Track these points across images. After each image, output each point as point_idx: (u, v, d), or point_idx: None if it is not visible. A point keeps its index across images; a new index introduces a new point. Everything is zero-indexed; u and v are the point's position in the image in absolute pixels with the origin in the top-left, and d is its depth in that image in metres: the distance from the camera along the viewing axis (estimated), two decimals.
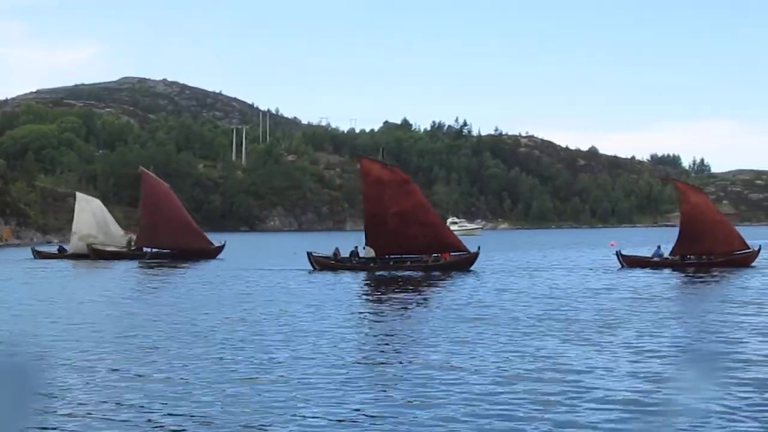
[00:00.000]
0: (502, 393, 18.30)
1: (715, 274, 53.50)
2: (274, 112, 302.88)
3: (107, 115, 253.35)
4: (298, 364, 21.86)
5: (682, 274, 53.97)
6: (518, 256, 79.76)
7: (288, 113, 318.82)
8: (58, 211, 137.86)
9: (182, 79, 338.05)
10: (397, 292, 42.77)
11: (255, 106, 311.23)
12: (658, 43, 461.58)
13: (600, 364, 21.54)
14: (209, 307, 36.01)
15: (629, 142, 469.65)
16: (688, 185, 66.87)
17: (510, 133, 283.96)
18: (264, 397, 18.23)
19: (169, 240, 77.09)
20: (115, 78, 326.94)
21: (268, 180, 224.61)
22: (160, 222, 76.95)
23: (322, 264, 58.74)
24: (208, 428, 16.08)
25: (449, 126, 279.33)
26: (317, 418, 16.63)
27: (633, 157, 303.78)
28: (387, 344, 25.55)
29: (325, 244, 75.02)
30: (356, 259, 59.32)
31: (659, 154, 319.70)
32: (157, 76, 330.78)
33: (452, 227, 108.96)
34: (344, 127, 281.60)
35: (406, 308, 35.46)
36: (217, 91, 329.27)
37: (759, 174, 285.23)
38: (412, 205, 58.91)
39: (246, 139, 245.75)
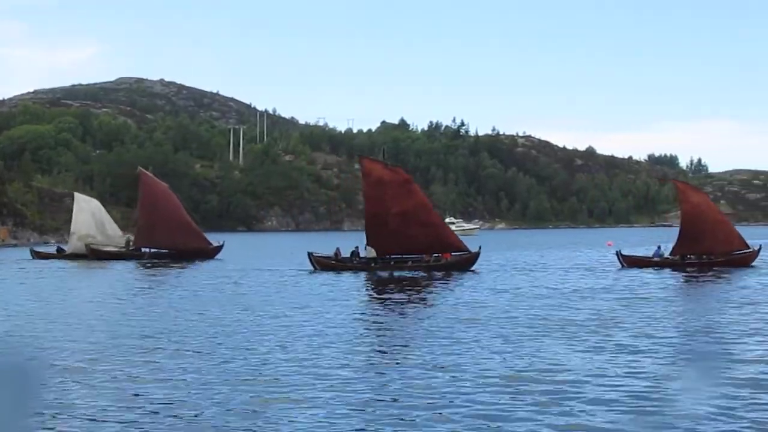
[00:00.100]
0: (500, 394, 18.24)
1: (715, 274, 53.45)
2: (271, 112, 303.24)
3: (104, 116, 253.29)
4: (297, 365, 21.79)
5: (683, 274, 53.89)
6: (518, 256, 79.70)
7: (285, 113, 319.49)
8: (55, 211, 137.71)
9: (179, 79, 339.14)
10: (398, 292, 42.70)
11: (252, 106, 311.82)
12: (655, 43, 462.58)
13: (599, 364, 21.49)
14: (209, 307, 35.87)
15: (626, 142, 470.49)
16: (688, 185, 66.84)
17: (507, 133, 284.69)
18: (264, 397, 18.14)
19: (168, 240, 76.96)
20: (112, 78, 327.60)
21: (266, 180, 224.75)
22: (158, 222, 76.81)
23: (322, 264, 58.63)
24: (208, 428, 16.03)
25: (446, 126, 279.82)
26: (316, 418, 16.58)
27: (630, 157, 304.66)
28: (386, 345, 25.51)
29: (324, 244, 75.11)
30: (357, 259, 59.22)
31: (656, 154, 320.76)
32: (154, 76, 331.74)
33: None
34: (341, 127, 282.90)
35: (406, 309, 35.39)
36: (215, 91, 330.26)
37: (756, 174, 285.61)
38: (413, 205, 58.81)
39: (243, 139, 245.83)
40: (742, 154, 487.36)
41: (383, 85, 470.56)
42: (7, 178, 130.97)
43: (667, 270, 56.38)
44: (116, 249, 78.57)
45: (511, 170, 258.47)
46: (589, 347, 24.21)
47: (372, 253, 58.42)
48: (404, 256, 58.73)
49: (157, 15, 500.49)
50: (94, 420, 16.60)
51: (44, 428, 15.96)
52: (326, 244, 75.27)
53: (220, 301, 38.97)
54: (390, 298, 39.66)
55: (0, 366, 22.87)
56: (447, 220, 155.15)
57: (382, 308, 35.94)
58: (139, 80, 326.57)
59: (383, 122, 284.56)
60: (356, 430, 15.92)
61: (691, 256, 59.29)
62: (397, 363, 22.19)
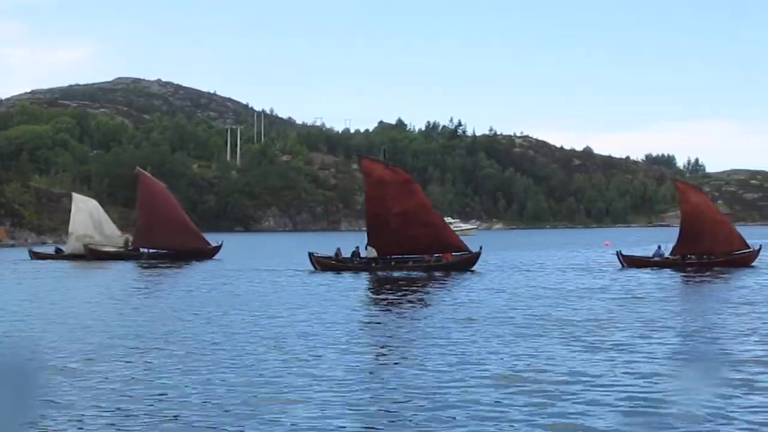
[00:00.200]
0: (498, 394, 18.23)
1: (715, 274, 53.48)
2: (268, 112, 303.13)
3: (102, 116, 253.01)
4: (295, 365, 21.80)
5: (683, 274, 53.87)
6: (517, 256, 79.61)
7: (282, 113, 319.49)
8: (53, 211, 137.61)
9: (176, 80, 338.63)
10: (398, 292, 42.64)
11: (249, 106, 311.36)
12: (653, 43, 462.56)
13: (597, 365, 21.47)
14: (208, 308, 35.82)
15: (624, 142, 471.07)
16: (688, 185, 66.84)
17: (504, 134, 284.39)
18: (261, 397, 18.12)
19: (166, 240, 76.88)
20: (109, 78, 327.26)
21: (263, 180, 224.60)
22: (156, 222, 76.74)
23: (323, 264, 58.59)
24: (205, 428, 16.02)
25: (444, 126, 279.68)
26: (313, 418, 16.56)
27: (628, 157, 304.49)
28: (385, 345, 25.49)
29: (322, 244, 75.04)
30: (358, 259, 59.21)
31: (654, 154, 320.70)
32: (151, 77, 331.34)
33: None
34: (339, 128, 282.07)
35: (406, 309, 35.33)
36: (212, 91, 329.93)
37: (753, 174, 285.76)
38: (414, 205, 58.81)
39: (240, 139, 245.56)
40: (739, 154, 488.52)
41: (381, 85, 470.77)
42: (4, 179, 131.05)
43: (668, 270, 56.39)
44: (115, 249, 78.50)
45: (508, 170, 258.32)
46: (588, 348, 24.18)
47: (373, 253, 58.43)
48: (405, 256, 58.75)
49: (155, 15, 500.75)
50: (90, 421, 16.57)
51: (39, 429, 15.91)
52: (324, 244, 75.21)
53: (220, 301, 38.90)
54: (390, 299, 39.64)
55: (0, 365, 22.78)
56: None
57: (382, 308, 35.95)
58: (137, 80, 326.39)
59: (380, 122, 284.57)
60: (354, 430, 15.90)
61: (692, 256, 59.31)
62: (395, 363, 22.20)
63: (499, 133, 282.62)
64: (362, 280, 50.80)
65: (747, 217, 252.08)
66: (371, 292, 45.04)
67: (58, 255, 79.96)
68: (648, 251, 66.22)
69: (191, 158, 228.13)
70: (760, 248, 60.83)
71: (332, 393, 18.50)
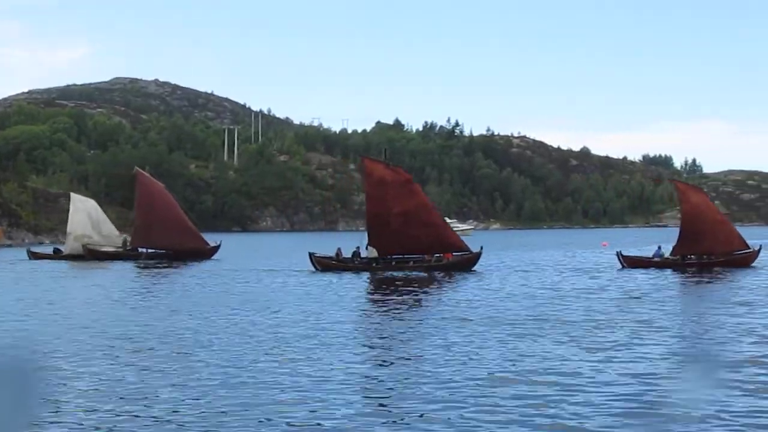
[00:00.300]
0: (496, 395, 18.20)
1: (715, 274, 53.50)
2: (266, 112, 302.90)
3: (99, 116, 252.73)
4: (293, 365, 21.81)
5: (683, 275, 53.85)
6: (515, 256, 79.61)
7: (280, 113, 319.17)
8: (50, 211, 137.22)
9: (174, 80, 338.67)
10: (398, 293, 42.58)
11: (247, 106, 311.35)
12: (650, 44, 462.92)
13: (595, 365, 21.44)
14: (208, 308, 35.72)
15: (621, 142, 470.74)
16: (688, 185, 66.88)
17: (502, 134, 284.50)
18: (260, 398, 18.10)
19: (165, 240, 76.76)
20: (106, 78, 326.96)
21: (260, 180, 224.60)
22: (155, 222, 76.67)
23: (324, 264, 58.52)
24: (203, 429, 16.00)
25: (441, 126, 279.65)
26: (310, 418, 16.57)
27: (625, 158, 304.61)
28: (383, 345, 25.44)
29: (320, 244, 74.92)
30: (358, 259, 59.15)
31: (651, 155, 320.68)
32: (148, 77, 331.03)
33: None
34: (336, 128, 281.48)
35: (406, 309, 35.29)
36: (209, 91, 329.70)
37: (750, 174, 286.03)
38: (414, 205, 58.80)
39: (238, 139, 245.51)
40: (736, 154, 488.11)
41: (378, 85, 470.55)
42: (1, 179, 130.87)
43: (668, 270, 56.38)
44: (113, 249, 78.37)
45: (505, 170, 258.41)
46: (586, 348, 24.13)
47: (373, 253, 58.40)
48: (406, 256, 58.71)
49: (152, 15, 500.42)
50: (87, 421, 16.53)
51: (36, 429, 15.79)
52: (322, 244, 75.12)
53: (219, 301, 38.78)
54: (390, 299, 39.54)
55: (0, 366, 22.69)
56: None
57: (381, 309, 35.88)
58: (134, 80, 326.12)
59: (378, 122, 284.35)
60: (350, 430, 15.88)
61: (692, 257, 59.32)
62: (393, 363, 22.17)
63: (496, 133, 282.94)
64: (363, 281, 50.75)
65: (744, 217, 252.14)
66: (371, 292, 45.00)
67: (57, 255, 79.75)
68: (645, 251, 66.26)
69: (188, 158, 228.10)
70: (760, 248, 60.85)
71: (329, 393, 18.48)
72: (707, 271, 55.52)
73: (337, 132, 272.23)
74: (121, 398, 18.29)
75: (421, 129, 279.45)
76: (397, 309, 35.16)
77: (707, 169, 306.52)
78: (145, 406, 17.60)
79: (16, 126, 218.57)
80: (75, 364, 22.31)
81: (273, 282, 50.23)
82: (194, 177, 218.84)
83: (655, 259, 60.44)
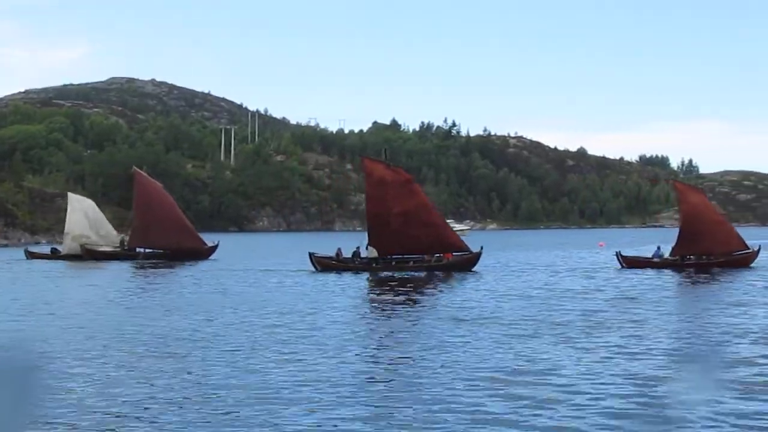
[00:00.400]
0: (493, 395, 18.20)
1: (714, 274, 53.54)
2: (262, 112, 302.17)
3: (95, 116, 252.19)
4: (290, 365, 21.85)
5: (682, 275, 53.89)
6: (514, 256, 79.62)
7: (277, 113, 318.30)
8: (46, 211, 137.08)
9: (171, 80, 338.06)
10: (398, 293, 42.62)
11: (244, 106, 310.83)
12: (647, 44, 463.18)
13: (594, 366, 21.43)
14: (207, 308, 35.68)
15: (618, 142, 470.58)
16: (687, 186, 67.02)
17: (499, 134, 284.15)
18: (257, 399, 18.07)
19: (163, 240, 76.65)
20: (103, 78, 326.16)
21: (257, 180, 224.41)
22: (153, 222, 76.55)
23: (324, 264, 58.47)
24: (199, 429, 16.00)
25: (438, 126, 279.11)
26: (306, 418, 16.55)
27: (621, 158, 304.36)
28: (382, 346, 25.54)
29: (317, 244, 74.86)
30: (358, 259, 59.10)
31: (648, 155, 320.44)
32: (145, 76, 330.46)
33: None
34: (333, 128, 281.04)
35: (405, 310, 35.34)
36: (206, 91, 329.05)
37: (747, 175, 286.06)
38: (414, 205, 58.81)
39: (235, 139, 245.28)
40: (732, 154, 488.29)
41: (375, 85, 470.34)
42: None
43: (667, 271, 56.39)
44: (111, 249, 78.24)
45: (502, 171, 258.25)
46: (584, 349, 24.15)
47: (373, 253, 58.37)
48: (405, 256, 58.66)
49: (149, 15, 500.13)
50: (81, 422, 16.48)
51: (31, 429, 15.73)
52: (319, 244, 75.05)
53: (218, 302, 38.79)
54: (390, 299, 39.60)
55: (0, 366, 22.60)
56: None
57: (380, 309, 35.98)
58: (131, 80, 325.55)
59: (375, 123, 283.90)
60: (345, 430, 15.88)
61: (691, 257, 59.35)
62: (390, 364, 22.25)
63: (493, 133, 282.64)
64: (362, 281, 50.72)
65: (740, 218, 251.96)
66: (371, 292, 45.01)
67: (54, 255, 79.60)
68: (642, 252, 66.29)
69: (185, 158, 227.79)
70: (759, 249, 60.92)
71: (325, 394, 18.47)
72: (706, 271, 55.57)
73: (334, 132, 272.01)
74: (115, 400, 18.24)
75: (417, 129, 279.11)
76: (396, 309, 35.18)
77: (704, 169, 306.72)
78: (140, 407, 17.56)
79: (12, 126, 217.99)
80: (70, 365, 22.25)
81: (273, 282, 50.19)
82: (191, 177, 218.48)
83: (655, 259, 60.45)
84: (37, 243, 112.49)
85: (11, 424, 15.34)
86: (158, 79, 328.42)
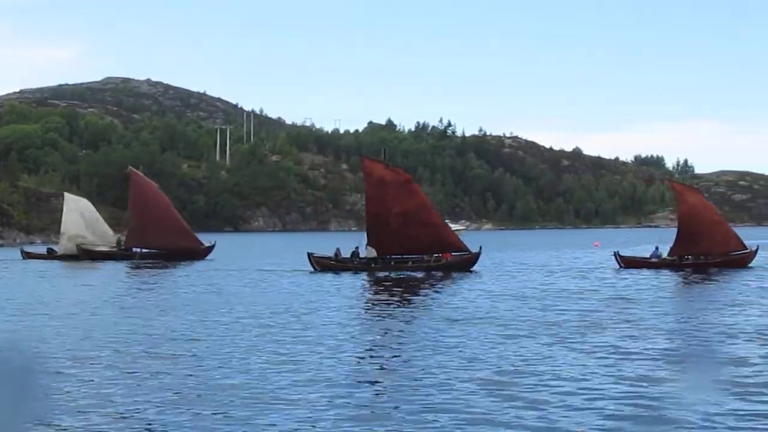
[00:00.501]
0: (490, 396, 18.19)
1: (712, 274, 53.56)
2: (258, 112, 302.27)
3: (91, 115, 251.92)
4: (287, 365, 21.85)
5: (679, 275, 53.88)
6: (513, 257, 79.59)
7: (272, 113, 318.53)
8: (42, 211, 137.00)
9: (166, 79, 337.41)
10: (396, 293, 42.68)
11: (239, 106, 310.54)
12: (642, 44, 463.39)
13: (591, 367, 21.39)
14: (206, 309, 35.62)
15: (613, 142, 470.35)
16: (685, 186, 66.98)
17: (494, 134, 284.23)
18: (253, 399, 18.03)
19: (159, 240, 76.58)
20: (98, 78, 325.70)
21: (252, 180, 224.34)
22: (150, 222, 76.45)
23: (322, 265, 58.41)
24: (195, 429, 15.98)
25: (433, 126, 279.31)
26: (302, 419, 16.53)
27: (617, 158, 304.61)
28: (378, 347, 25.48)
29: (313, 244, 74.77)
30: (357, 259, 59.02)
31: (643, 155, 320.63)
32: (140, 76, 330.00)
33: None
34: (328, 128, 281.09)
35: (403, 310, 35.43)
36: (201, 91, 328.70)
37: (742, 175, 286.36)
38: (414, 205, 58.79)
39: (230, 139, 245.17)
40: (728, 155, 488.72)
41: (370, 85, 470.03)
42: None
43: (665, 271, 56.39)
44: (108, 249, 78.13)
45: (497, 171, 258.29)
46: (581, 350, 24.13)
47: (372, 253, 58.30)
48: (404, 256, 58.59)
49: (144, 15, 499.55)
50: (76, 422, 16.47)
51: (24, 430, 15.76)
52: (316, 244, 74.90)
53: (216, 302, 38.68)
54: (387, 299, 39.65)
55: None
56: None
57: (378, 309, 35.98)
58: (126, 80, 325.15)
59: (370, 122, 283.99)
60: (341, 430, 15.87)
61: (689, 257, 59.33)
62: (386, 365, 22.31)
63: (488, 133, 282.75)
64: (361, 281, 50.63)
65: (736, 218, 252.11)
66: (369, 292, 44.94)
67: (51, 255, 79.47)
68: (638, 252, 66.31)
69: (181, 158, 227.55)
70: (757, 249, 60.94)
71: (320, 394, 18.46)
72: (704, 271, 55.57)
73: (330, 132, 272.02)
74: (110, 400, 18.18)
75: (413, 129, 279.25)
76: (394, 309, 35.23)
77: (699, 169, 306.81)
78: (135, 407, 17.52)
79: (7, 125, 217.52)
80: (65, 365, 22.20)
81: (270, 282, 50.11)
82: (186, 177, 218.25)
83: (653, 259, 60.45)
84: (32, 243, 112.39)
85: (6, 424, 15.28)
86: (153, 79, 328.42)
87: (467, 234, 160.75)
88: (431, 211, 60.92)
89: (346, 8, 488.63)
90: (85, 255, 75.78)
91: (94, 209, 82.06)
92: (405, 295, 41.59)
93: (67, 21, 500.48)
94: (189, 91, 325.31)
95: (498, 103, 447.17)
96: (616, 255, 61.24)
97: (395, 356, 23.42)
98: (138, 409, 17.39)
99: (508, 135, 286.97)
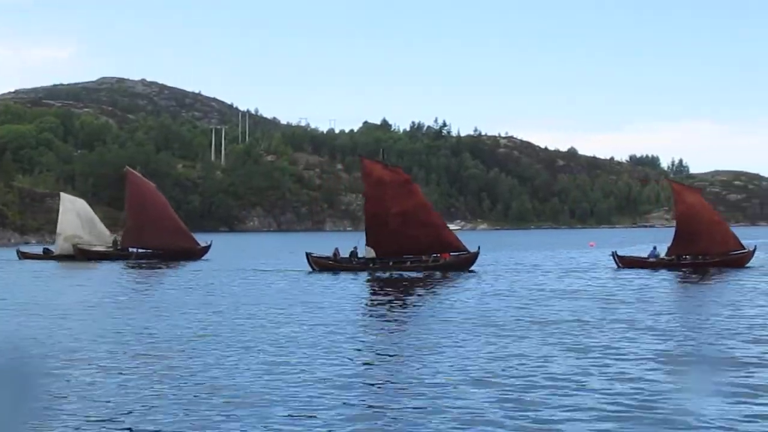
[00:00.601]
0: (483, 397, 18.14)
1: (710, 274, 53.56)
2: (253, 112, 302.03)
3: (86, 115, 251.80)
4: (284, 365, 21.81)
5: (677, 275, 53.86)
6: (510, 257, 79.72)
7: (267, 113, 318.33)
8: (37, 211, 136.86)
9: (161, 79, 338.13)
10: (394, 293, 42.71)
11: (234, 106, 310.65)
12: (638, 44, 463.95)
13: (587, 368, 21.34)
14: (203, 309, 35.53)
15: (608, 142, 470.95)
16: (683, 185, 66.98)
17: (489, 134, 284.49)
18: (253, 400, 17.97)
19: (156, 240, 76.48)
20: (93, 78, 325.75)
21: (248, 180, 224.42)
22: (146, 222, 76.37)
23: (321, 264, 58.35)
24: (192, 429, 15.92)
25: (428, 126, 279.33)
26: (298, 418, 16.53)
27: (612, 158, 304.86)
28: (374, 347, 25.45)
29: (309, 244, 74.76)
30: (356, 259, 58.93)
31: (638, 155, 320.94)
32: (135, 76, 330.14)
33: None
34: (323, 128, 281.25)
35: (400, 310, 35.41)
36: (196, 91, 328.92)
37: (737, 175, 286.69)
38: (413, 205, 58.77)
39: (225, 139, 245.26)
40: (723, 155, 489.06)
41: (365, 85, 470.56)
42: None
43: (663, 271, 56.38)
44: (104, 249, 77.98)
45: (493, 171, 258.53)
46: (579, 350, 24.06)
47: (371, 253, 58.21)
48: (403, 256, 58.51)
49: (139, 15, 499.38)
50: (70, 422, 16.37)
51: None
52: (312, 244, 74.79)
53: (213, 303, 38.55)
54: (385, 300, 39.67)
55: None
56: None
57: (375, 309, 36.10)
58: (121, 80, 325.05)
59: (365, 122, 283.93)
60: (337, 430, 15.84)
61: (687, 257, 59.30)
62: (383, 365, 22.24)
63: (483, 133, 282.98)
64: (359, 281, 50.53)
65: (731, 218, 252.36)
66: (367, 293, 44.89)
67: (47, 255, 79.32)
68: (633, 252, 66.32)
69: (176, 158, 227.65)
70: (755, 249, 60.97)
71: (315, 394, 18.43)
72: (702, 271, 55.55)
73: (325, 132, 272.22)
74: (105, 401, 18.10)
75: (408, 129, 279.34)
76: (391, 310, 35.27)
77: (694, 169, 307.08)
78: (131, 408, 17.45)
79: (2, 125, 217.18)
80: (60, 366, 22.11)
81: (268, 282, 50.02)
82: (181, 177, 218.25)
83: (651, 259, 60.43)
84: (27, 243, 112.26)
85: (5, 424, 15.20)
86: (148, 79, 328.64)
87: (462, 234, 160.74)
88: (430, 211, 60.89)
89: (341, 8, 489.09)
90: (81, 255, 75.60)
91: (90, 209, 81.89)
92: (403, 295, 41.58)
93: (62, 21, 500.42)
94: (184, 91, 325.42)
95: (493, 103, 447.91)
96: (614, 255, 61.20)
97: (393, 356, 23.39)
98: (134, 409, 17.32)
99: (503, 135, 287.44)
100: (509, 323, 29.90)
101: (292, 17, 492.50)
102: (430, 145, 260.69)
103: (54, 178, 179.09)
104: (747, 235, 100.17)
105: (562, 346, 24.63)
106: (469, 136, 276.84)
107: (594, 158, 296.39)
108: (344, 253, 59.57)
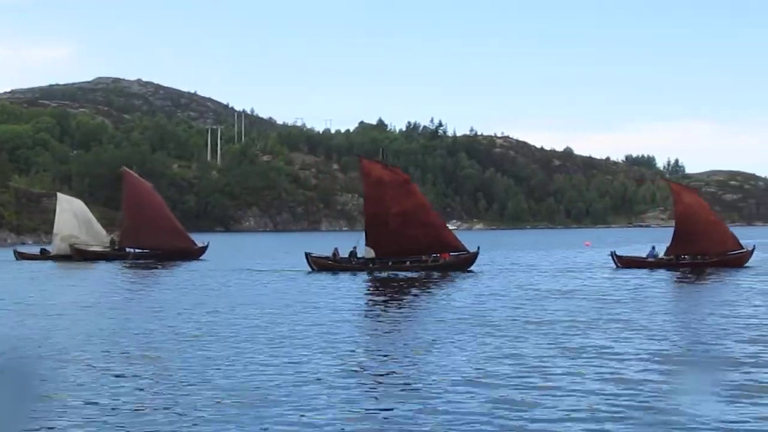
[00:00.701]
0: (480, 397, 18.12)
1: (708, 274, 53.59)
2: (249, 112, 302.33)
3: (82, 116, 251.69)
4: (281, 365, 21.84)
5: (676, 275, 53.88)
6: (508, 257, 79.68)
7: (263, 113, 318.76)
8: (33, 211, 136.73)
9: (157, 79, 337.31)
10: (393, 293, 42.83)
11: (230, 106, 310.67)
12: (633, 44, 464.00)
13: (584, 368, 21.30)
14: (201, 309, 35.49)
15: (604, 142, 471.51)
16: (681, 186, 67.11)
17: (485, 134, 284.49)
18: (250, 400, 17.95)
19: (153, 240, 76.46)
20: (89, 78, 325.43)
21: (243, 180, 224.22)
22: (143, 222, 76.37)
23: (320, 264, 58.30)
24: (190, 429, 15.93)
25: (424, 126, 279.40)
26: (294, 418, 16.51)
27: (608, 158, 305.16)
28: (373, 348, 25.38)
29: (305, 244, 74.88)
30: (355, 259, 58.88)
31: (634, 155, 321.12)
32: (131, 76, 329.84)
33: None
34: (319, 128, 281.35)
35: (398, 310, 35.41)
36: (192, 91, 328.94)
37: (733, 175, 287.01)
38: (412, 205, 58.75)
39: (221, 139, 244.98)
40: (719, 155, 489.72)
41: (361, 85, 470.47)
42: None
43: (662, 271, 56.40)
44: (101, 249, 77.91)
45: (489, 171, 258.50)
46: (577, 350, 24.06)
47: (370, 253, 58.15)
48: (403, 256, 58.44)
49: (135, 15, 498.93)
50: (66, 422, 16.34)
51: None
52: (308, 244, 74.83)
53: (210, 303, 38.53)
54: (383, 300, 39.77)
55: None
56: None
57: (373, 310, 36.23)
58: (117, 80, 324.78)
59: (361, 122, 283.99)
60: (334, 429, 15.84)
61: (686, 257, 59.33)
62: (379, 364, 22.22)
63: (479, 133, 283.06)
64: (358, 281, 50.50)
65: (727, 218, 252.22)
66: (365, 293, 44.84)
67: (44, 255, 79.21)
68: (629, 251, 66.35)
69: (171, 158, 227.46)
70: (753, 249, 61.02)
71: (312, 394, 18.43)
72: (701, 271, 55.59)
73: (321, 132, 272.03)
74: (101, 401, 18.05)
75: (404, 129, 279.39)
76: (389, 310, 35.29)
77: (690, 169, 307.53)
78: (127, 408, 17.43)
79: None
80: (56, 366, 22.09)
81: (266, 282, 50.00)
82: (177, 177, 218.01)
83: (649, 259, 60.46)
84: (24, 243, 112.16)
85: (5, 424, 15.13)
86: (144, 79, 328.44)
87: (458, 234, 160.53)
88: (430, 211, 60.86)
89: (337, 9, 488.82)
90: (78, 255, 75.53)
91: (87, 209, 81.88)
92: (402, 295, 41.59)
93: (58, 21, 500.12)
94: (179, 91, 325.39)
95: (489, 103, 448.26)
96: (613, 255, 61.20)
97: (388, 356, 23.37)
98: (131, 409, 17.29)
99: (499, 135, 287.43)
100: (505, 323, 29.92)
101: (288, 17, 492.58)
102: (426, 145, 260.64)
103: (50, 178, 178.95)
104: (744, 235, 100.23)
105: (557, 346, 24.64)
106: (465, 136, 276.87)
107: (590, 158, 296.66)
108: (343, 253, 59.51)
